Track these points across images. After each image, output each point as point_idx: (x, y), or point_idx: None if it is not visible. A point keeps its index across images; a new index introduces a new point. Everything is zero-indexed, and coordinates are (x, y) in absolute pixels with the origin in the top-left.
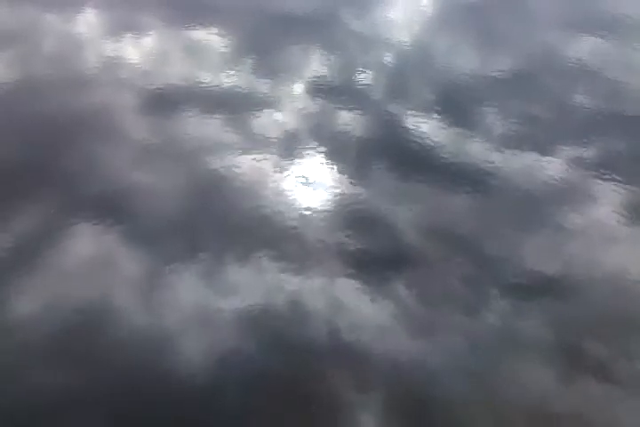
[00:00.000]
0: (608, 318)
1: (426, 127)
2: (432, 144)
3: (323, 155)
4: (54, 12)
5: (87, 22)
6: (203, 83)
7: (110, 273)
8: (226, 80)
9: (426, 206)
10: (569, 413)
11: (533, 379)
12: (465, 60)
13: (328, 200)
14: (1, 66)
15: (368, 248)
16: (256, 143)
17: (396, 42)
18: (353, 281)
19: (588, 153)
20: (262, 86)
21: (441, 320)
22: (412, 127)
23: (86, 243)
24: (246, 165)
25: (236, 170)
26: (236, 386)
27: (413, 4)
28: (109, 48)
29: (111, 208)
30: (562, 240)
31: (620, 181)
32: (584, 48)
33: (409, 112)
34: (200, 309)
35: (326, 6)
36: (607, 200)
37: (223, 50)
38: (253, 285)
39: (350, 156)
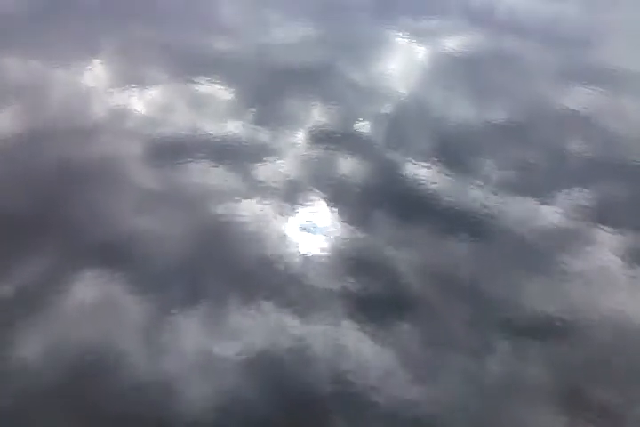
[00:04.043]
0: (609, 361)
1: (425, 174)
2: (431, 190)
3: (324, 201)
4: (62, 65)
5: (94, 75)
6: (206, 132)
7: (114, 319)
8: (229, 130)
9: (427, 251)
10: None
11: (536, 423)
12: (462, 111)
13: (330, 245)
14: (10, 117)
15: (370, 292)
16: (259, 190)
17: (394, 93)
18: (356, 325)
19: (584, 199)
20: (265, 135)
21: (443, 363)
22: (411, 174)
23: (91, 289)
24: (249, 211)
25: (240, 216)
26: None
27: (410, 57)
28: (115, 99)
29: (116, 254)
30: (562, 284)
31: (615, 227)
32: (577, 99)
33: (408, 160)
34: (203, 354)
35: (326, 59)
36: (604, 245)
37: (226, 101)
38: (256, 329)
39: (351, 202)
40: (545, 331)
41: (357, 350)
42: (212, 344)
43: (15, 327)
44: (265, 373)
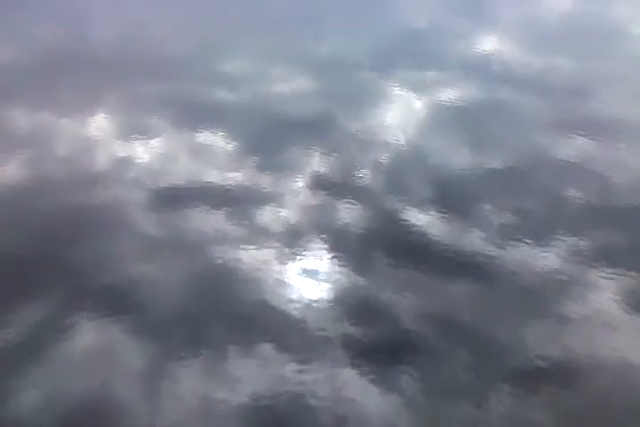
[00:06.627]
0: (612, 405)
1: (424, 220)
2: (431, 236)
3: (324, 247)
4: (67, 116)
5: (98, 126)
6: (208, 181)
7: (114, 366)
8: (231, 178)
9: (427, 296)
10: None
11: None
12: (460, 159)
13: (330, 290)
14: (17, 165)
15: (371, 338)
16: (259, 236)
17: (392, 142)
18: (357, 372)
19: (582, 244)
20: (265, 183)
21: (446, 411)
22: (410, 220)
23: (92, 335)
24: (250, 257)
25: (240, 262)
26: None
27: (408, 108)
28: (119, 149)
29: (116, 300)
30: (563, 328)
31: (614, 271)
32: (572, 147)
33: (407, 206)
34: (203, 402)
35: (326, 110)
36: (603, 289)
37: (228, 150)
38: (256, 377)
39: (351, 248)
40: (547, 376)
41: (358, 397)
42: (211, 392)
43: (12, 374)
44: (264, 422)
